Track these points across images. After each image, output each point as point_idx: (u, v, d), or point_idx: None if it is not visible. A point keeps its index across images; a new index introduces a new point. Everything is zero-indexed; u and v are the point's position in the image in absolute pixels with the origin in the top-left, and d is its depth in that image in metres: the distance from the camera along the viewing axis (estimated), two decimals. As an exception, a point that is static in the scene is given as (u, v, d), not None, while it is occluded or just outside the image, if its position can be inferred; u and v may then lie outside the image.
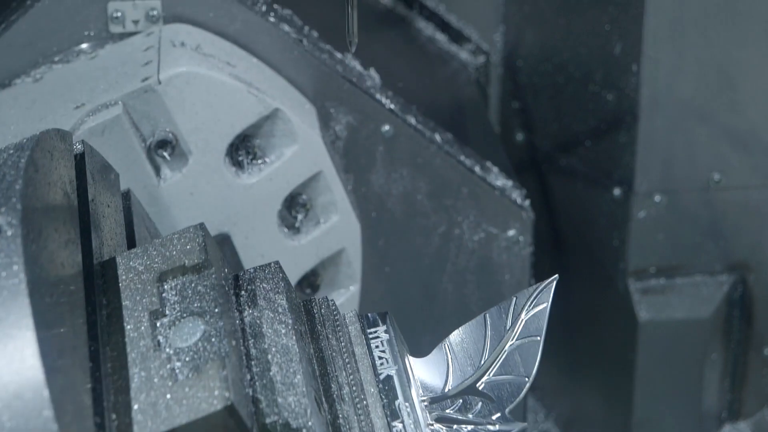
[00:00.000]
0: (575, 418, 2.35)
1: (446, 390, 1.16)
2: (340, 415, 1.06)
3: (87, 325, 0.96)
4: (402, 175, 1.81)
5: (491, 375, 1.16)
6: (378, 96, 1.77)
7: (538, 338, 1.14)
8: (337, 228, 1.66)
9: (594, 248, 2.19)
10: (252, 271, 1.12)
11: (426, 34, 2.30)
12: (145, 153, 1.51)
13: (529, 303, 1.15)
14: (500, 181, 1.87)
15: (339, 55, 1.74)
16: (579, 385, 2.33)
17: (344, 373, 1.12)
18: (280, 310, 1.06)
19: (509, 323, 1.16)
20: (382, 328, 1.20)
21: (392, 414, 1.11)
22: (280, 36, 1.68)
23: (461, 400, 1.16)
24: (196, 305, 0.98)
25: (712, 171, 2.04)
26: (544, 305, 1.15)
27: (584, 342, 2.28)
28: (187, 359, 0.92)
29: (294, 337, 1.04)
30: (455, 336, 1.20)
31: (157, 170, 1.53)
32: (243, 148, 1.59)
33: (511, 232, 1.89)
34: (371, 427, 1.09)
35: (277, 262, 1.14)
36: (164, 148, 1.52)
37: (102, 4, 1.62)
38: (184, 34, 1.60)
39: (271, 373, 0.97)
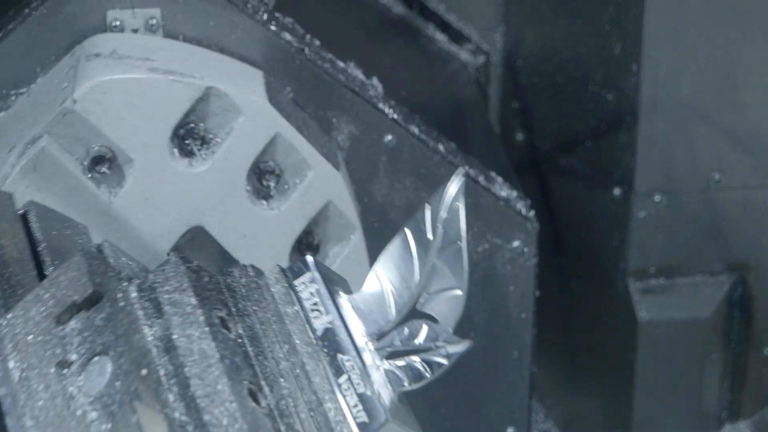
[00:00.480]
0: (575, 418, 2.35)
1: (389, 319, 1.12)
2: (284, 394, 1.02)
3: None
4: (405, 185, 1.79)
5: (428, 293, 1.11)
6: (380, 105, 1.75)
7: (459, 242, 1.08)
8: (316, 182, 1.60)
9: (594, 248, 2.19)
10: (152, 276, 1.05)
11: (426, 34, 2.30)
12: (85, 175, 1.48)
13: (442, 208, 1.09)
14: (504, 191, 1.86)
15: (341, 64, 1.73)
16: (579, 385, 2.33)
17: (278, 346, 1.07)
18: (188, 309, 1.01)
19: (429, 234, 1.10)
20: (308, 277, 1.14)
21: (336, 371, 1.07)
22: (281, 45, 1.67)
23: (407, 329, 1.12)
24: (98, 342, 0.93)
25: (712, 171, 2.04)
26: (458, 204, 1.10)
27: (584, 342, 2.28)
28: (101, 407, 0.89)
29: (210, 336, 0.98)
30: (384, 260, 1.13)
31: (101, 187, 1.50)
32: (190, 137, 1.55)
33: (516, 243, 1.87)
34: (315, 396, 1.05)
35: (175, 254, 1.08)
36: (101, 164, 1.49)
37: (101, 13, 1.60)
38: (99, 44, 1.56)
39: (191, 390, 0.93)
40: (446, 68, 2.29)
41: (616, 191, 2.08)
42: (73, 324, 0.95)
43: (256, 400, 0.97)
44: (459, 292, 1.10)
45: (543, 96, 2.30)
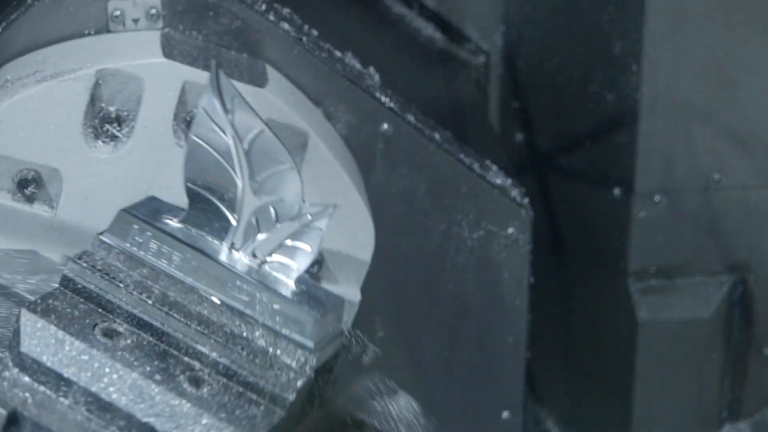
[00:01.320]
0: (575, 418, 2.35)
1: (233, 225, 1.15)
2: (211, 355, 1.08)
3: None
4: (401, 173, 1.81)
5: (262, 177, 1.14)
6: (377, 95, 1.77)
7: (261, 122, 1.12)
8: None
9: (594, 248, 2.19)
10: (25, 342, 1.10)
11: (426, 34, 2.30)
12: (17, 202, 1.51)
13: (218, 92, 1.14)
14: (499, 179, 1.88)
15: (338, 54, 1.75)
16: (579, 385, 2.33)
17: (163, 317, 1.12)
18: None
19: (227, 120, 1.14)
20: (144, 229, 1.20)
21: (242, 316, 1.11)
22: (279, 34, 1.69)
23: (271, 214, 1.15)
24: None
25: (712, 171, 2.04)
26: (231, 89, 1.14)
27: (584, 342, 2.28)
28: None
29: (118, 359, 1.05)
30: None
31: (35, 204, 1.52)
32: (106, 123, 1.54)
33: (511, 230, 1.90)
34: (248, 345, 1.10)
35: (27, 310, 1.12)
36: (27, 186, 1.51)
37: (102, 3, 1.61)
38: None
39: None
40: (446, 68, 2.29)
41: (616, 191, 2.08)
42: None
43: (196, 383, 1.02)
44: (288, 166, 1.13)
45: (543, 96, 2.30)
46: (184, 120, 1.55)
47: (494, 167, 1.88)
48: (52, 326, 1.07)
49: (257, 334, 1.10)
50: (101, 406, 1.02)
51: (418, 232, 1.86)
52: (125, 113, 1.55)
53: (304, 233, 1.16)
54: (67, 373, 1.03)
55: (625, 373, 2.14)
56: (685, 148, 2.03)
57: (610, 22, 2.04)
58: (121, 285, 1.14)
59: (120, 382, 1.02)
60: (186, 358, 1.07)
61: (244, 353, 1.09)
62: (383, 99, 1.78)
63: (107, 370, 1.03)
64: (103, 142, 1.53)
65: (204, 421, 0.95)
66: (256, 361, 1.08)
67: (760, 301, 2.13)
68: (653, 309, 2.10)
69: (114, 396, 1.01)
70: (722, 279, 2.12)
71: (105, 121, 1.53)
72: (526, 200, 1.90)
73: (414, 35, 2.29)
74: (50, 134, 1.50)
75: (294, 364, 1.08)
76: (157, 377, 1.02)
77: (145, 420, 1.00)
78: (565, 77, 2.20)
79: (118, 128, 1.53)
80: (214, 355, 1.08)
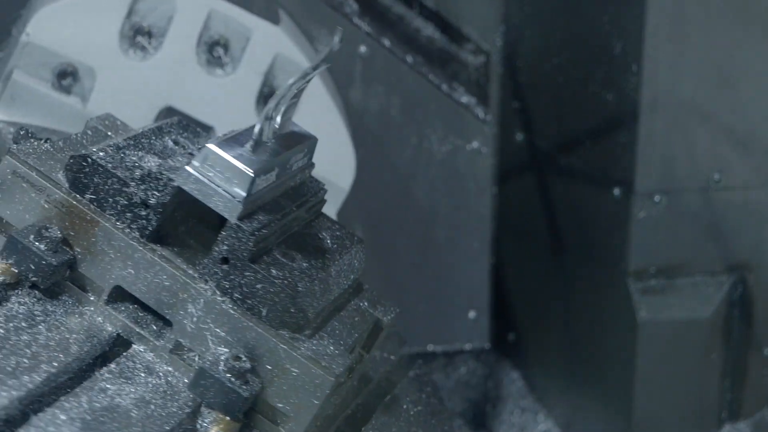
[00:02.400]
0: (575, 418, 2.35)
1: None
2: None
3: None
4: (377, 92, 2.03)
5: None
6: (356, 20, 1.97)
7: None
8: (259, 41, 1.81)
9: (594, 248, 2.19)
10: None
11: (426, 34, 2.30)
12: (56, 91, 1.72)
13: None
14: (465, 98, 2.09)
15: None
16: (579, 385, 2.33)
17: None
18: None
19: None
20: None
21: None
22: None
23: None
24: None
25: (712, 171, 2.04)
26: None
27: (584, 342, 2.28)
28: None
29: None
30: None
31: (71, 96, 1.74)
32: (138, 34, 1.76)
33: (475, 144, 2.11)
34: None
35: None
36: (66, 77, 1.73)
37: None
38: None
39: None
40: (446, 68, 2.30)
41: (616, 191, 2.08)
42: None
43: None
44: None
45: (543, 96, 2.30)
46: (205, 44, 1.78)
47: (461, 88, 2.08)
48: None
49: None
50: None
51: (392, 145, 2.07)
52: (156, 29, 1.76)
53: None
54: None
55: (625, 374, 2.14)
56: (685, 148, 2.03)
57: (610, 22, 2.04)
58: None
59: None
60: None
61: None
62: (361, 24, 1.98)
63: None
64: (134, 50, 1.75)
65: None
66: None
67: (760, 301, 2.13)
68: (653, 309, 2.10)
69: None
70: (722, 279, 2.12)
71: (138, 32, 1.75)
72: (489, 117, 2.11)
73: (414, 35, 2.29)
74: (91, 36, 1.72)
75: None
76: None
77: None
78: (565, 77, 2.20)
79: (148, 41, 1.76)
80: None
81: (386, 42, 2.01)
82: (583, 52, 2.14)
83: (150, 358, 1.15)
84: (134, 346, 1.16)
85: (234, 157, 1.15)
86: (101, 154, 1.18)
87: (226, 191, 1.14)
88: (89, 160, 1.16)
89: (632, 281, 2.10)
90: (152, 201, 1.16)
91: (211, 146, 1.14)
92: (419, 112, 2.07)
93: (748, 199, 2.07)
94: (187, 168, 1.14)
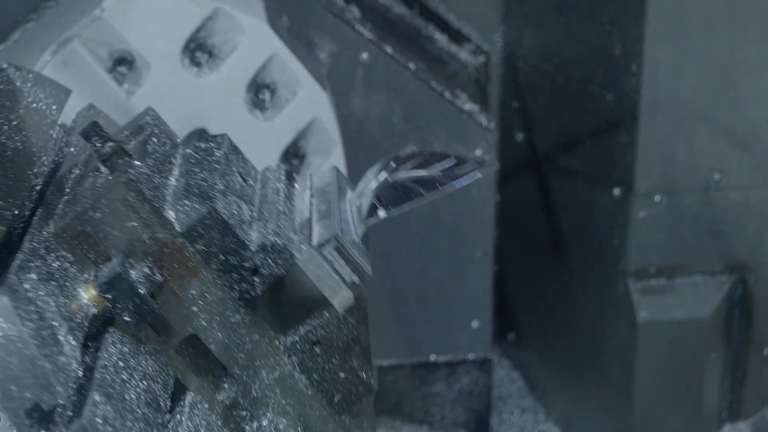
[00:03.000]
0: (575, 418, 2.35)
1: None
2: (250, 202, 1.19)
3: None
4: (379, 98, 2.02)
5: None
6: (357, 27, 1.96)
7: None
8: (305, 100, 1.80)
9: (594, 248, 2.19)
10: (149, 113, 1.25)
11: (426, 34, 2.30)
12: (108, 73, 1.68)
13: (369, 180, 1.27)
14: (468, 105, 2.06)
15: None
16: (579, 385, 2.33)
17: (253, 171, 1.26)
18: (170, 138, 1.22)
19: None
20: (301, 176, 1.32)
21: (311, 195, 1.25)
22: None
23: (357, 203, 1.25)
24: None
25: (712, 171, 2.04)
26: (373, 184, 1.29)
27: (584, 342, 2.28)
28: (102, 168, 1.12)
29: (184, 149, 1.18)
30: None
31: (122, 85, 1.71)
32: (199, 49, 1.75)
33: (478, 152, 2.07)
34: (288, 200, 1.23)
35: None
36: (122, 65, 1.70)
37: None
38: None
39: (173, 175, 1.15)
40: (446, 68, 2.30)
41: (616, 191, 2.08)
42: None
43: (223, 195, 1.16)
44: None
45: (543, 96, 2.30)
46: (256, 83, 1.78)
47: (464, 95, 2.05)
48: None
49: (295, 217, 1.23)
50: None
51: (394, 152, 2.03)
52: (218, 51, 1.75)
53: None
54: None
55: (625, 374, 2.14)
56: (685, 148, 2.03)
57: (610, 22, 2.04)
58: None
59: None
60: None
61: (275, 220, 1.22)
62: (363, 31, 1.97)
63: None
64: (190, 63, 1.75)
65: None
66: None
67: (760, 301, 2.14)
68: (653, 309, 2.10)
69: None
70: (722, 279, 2.12)
71: (200, 48, 1.75)
72: (492, 124, 2.07)
73: (414, 35, 2.29)
74: (159, 34, 1.71)
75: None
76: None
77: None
78: (565, 77, 2.20)
79: (206, 59, 1.75)
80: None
81: (388, 49, 2.00)
82: (583, 52, 2.14)
83: (203, 408, 1.14)
84: (190, 394, 1.14)
85: (354, 248, 1.16)
86: (220, 205, 1.12)
87: (340, 281, 1.14)
88: (214, 214, 1.10)
89: (632, 281, 2.10)
90: (265, 272, 1.13)
91: (337, 234, 1.16)
92: (421, 119, 2.06)
93: (748, 199, 2.07)
94: (312, 250, 1.14)
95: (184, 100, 1.73)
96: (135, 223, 1.08)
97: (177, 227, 1.09)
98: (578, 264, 2.26)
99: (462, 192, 2.09)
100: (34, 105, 1.23)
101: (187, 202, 1.10)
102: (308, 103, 1.81)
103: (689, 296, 2.11)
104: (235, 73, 1.76)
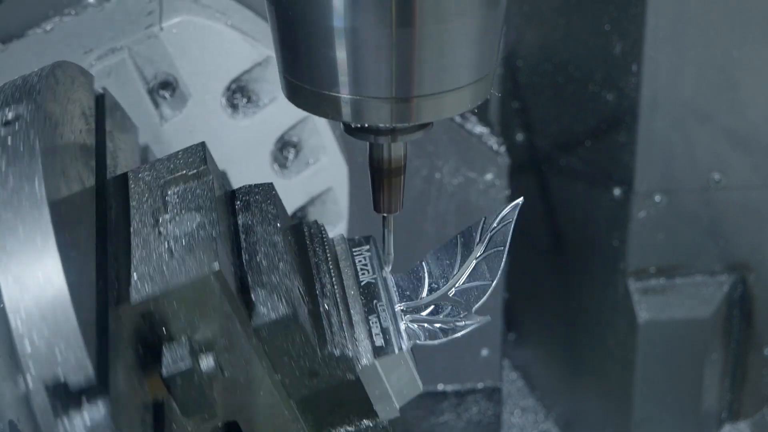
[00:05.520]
0: (575, 418, 2.35)
1: (420, 298, 1.25)
2: (321, 308, 1.14)
3: (97, 223, 1.06)
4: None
5: (460, 283, 1.25)
6: None
7: (503, 248, 1.25)
8: (325, 168, 1.78)
9: (594, 248, 2.19)
10: (247, 186, 1.22)
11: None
12: (148, 94, 1.64)
13: (496, 221, 1.25)
14: (478, 128, 2.02)
15: None
16: (579, 385, 2.33)
17: (327, 276, 1.21)
18: (270, 217, 1.16)
19: (478, 238, 1.25)
20: (365, 247, 1.28)
21: (369, 311, 1.20)
22: None
23: (433, 306, 1.24)
24: (194, 204, 1.09)
25: (712, 171, 2.04)
26: (510, 222, 1.25)
27: (584, 342, 2.28)
28: (184, 242, 1.03)
29: (281, 236, 1.13)
30: (432, 254, 1.28)
31: (158, 108, 1.67)
32: (239, 92, 1.71)
33: (489, 176, 2.05)
34: (349, 319, 1.17)
35: (270, 183, 1.23)
36: (165, 89, 1.66)
37: None
38: None
39: (258, 258, 1.09)
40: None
41: (616, 191, 2.08)
42: (176, 189, 1.12)
43: (301, 295, 1.11)
44: (490, 283, 1.25)
45: (543, 96, 2.30)
46: (284, 140, 1.75)
47: (473, 118, 2.03)
48: None
49: (357, 327, 1.18)
50: (248, 229, 1.16)
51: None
52: (256, 98, 1.72)
53: (449, 325, 1.26)
54: None
55: (625, 373, 2.14)
56: (684, 148, 2.03)
57: (610, 22, 2.04)
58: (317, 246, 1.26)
59: (271, 246, 1.14)
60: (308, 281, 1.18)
61: (337, 321, 1.17)
62: None
63: (280, 239, 1.14)
64: (227, 103, 1.71)
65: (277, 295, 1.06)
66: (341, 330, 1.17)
67: (760, 301, 2.14)
68: (653, 309, 2.10)
69: None
70: (722, 279, 2.12)
71: (240, 91, 1.71)
72: (502, 148, 2.04)
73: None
74: (208, 67, 1.67)
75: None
76: (287, 259, 1.13)
77: (257, 249, 1.12)
78: (565, 77, 2.21)
79: (244, 104, 1.72)
80: (325, 305, 1.17)
81: None
82: (583, 52, 2.15)
83: None
84: None
85: (413, 365, 1.16)
86: (301, 310, 1.06)
87: (393, 397, 1.15)
88: (297, 323, 1.04)
89: (632, 281, 2.10)
90: (324, 377, 1.10)
91: (405, 353, 1.15)
92: (430, 143, 2.02)
93: (748, 199, 2.07)
94: (375, 363, 1.13)
95: (214, 138, 1.67)
96: (212, 315, 1.01)
97: (250, 324, 1.04)
98: (578, 264, 2.26)
99: (471, 217, 2.02)
100: None
101: (270, 301, 1.05)
102: (328, 171, 1.78)
103: (689, 296, 2.11)
104: (268, 125, 1.73)
